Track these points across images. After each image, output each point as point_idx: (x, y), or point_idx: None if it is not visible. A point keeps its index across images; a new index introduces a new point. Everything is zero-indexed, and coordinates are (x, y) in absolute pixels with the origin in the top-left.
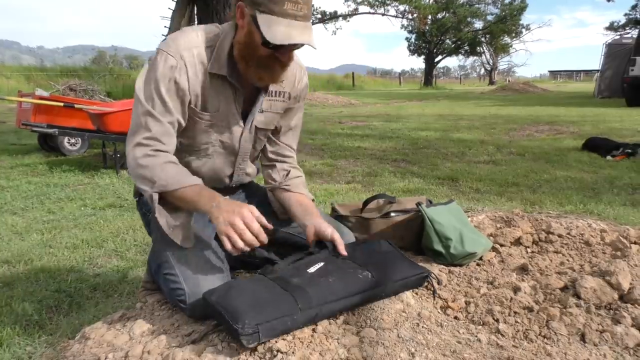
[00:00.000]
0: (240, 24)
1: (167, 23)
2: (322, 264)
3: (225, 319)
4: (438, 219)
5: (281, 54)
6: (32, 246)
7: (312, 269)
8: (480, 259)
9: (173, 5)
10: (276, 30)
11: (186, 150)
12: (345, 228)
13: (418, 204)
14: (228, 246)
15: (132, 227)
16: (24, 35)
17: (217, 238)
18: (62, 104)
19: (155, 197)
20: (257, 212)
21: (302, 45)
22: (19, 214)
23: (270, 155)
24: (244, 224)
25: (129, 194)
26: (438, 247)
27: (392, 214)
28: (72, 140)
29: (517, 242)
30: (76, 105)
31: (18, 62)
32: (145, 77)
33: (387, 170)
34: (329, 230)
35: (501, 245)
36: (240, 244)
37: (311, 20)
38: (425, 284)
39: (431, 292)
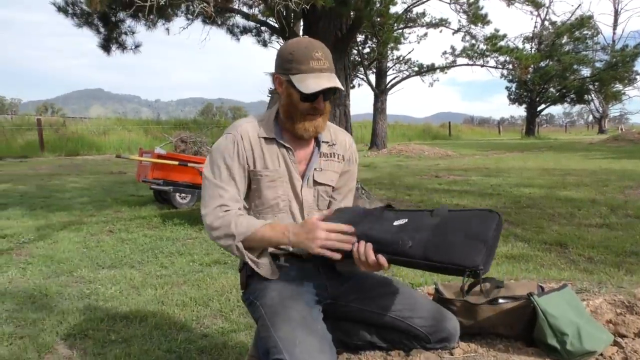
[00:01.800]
0: (280, 91)
1: (271, 79)
2: (406, 220)
3: None
4: (552, 312)
5: (317, 103)
6: (147, 302)
7: (397, 222)
8: (601, 354)
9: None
10: (308, 83)
11: (261, 210)
12: (449, 313)
13: (529, 294)
14: (333, 255)
15: (236, 287)
16: (143, 90)
17: (324, 319)
18: (177, 162)
19: (241, 246)
20: (326, 222)
21: (333, 91)
22: (136, 268)
23: None
24: (326, 234)
25: None
26: (552, 342)
27: (501, 300)
28: (183, 194)
29: None
30: (189, 164)
31: (138, 115)
32: (210, 156)
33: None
34: None
35: (623, 337)
36: (337, 254)
37: (334, 72)
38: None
39: None
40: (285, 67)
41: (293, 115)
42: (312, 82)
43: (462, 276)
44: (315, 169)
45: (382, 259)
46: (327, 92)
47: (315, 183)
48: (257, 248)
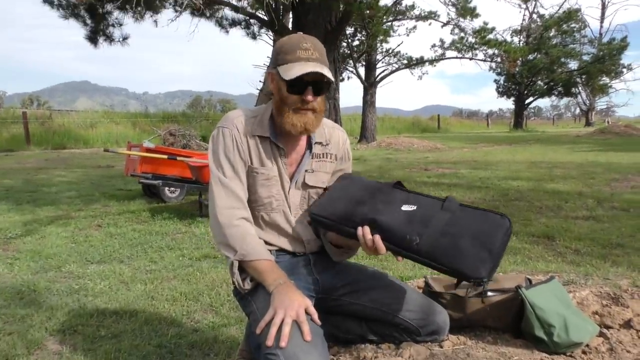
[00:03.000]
0: (272, 87)
1: (260, 71)
2: (414, 207)
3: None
4: (539, 304)
5: (306, 95)
6: (136, 297)
7: (405, 207)
8: (587, 345)
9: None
10: (292, 70)
11: (255, 207)
12: (439, 306)
13: (517, 287)
14: (263, 325)
15: (226, 281)
16: (131, 82)
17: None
18: (166, 156)
19: (236, 263)
20: (311, 309)
21: (323, 84)
22: (125, 262)
23: None
24: (295, 313)
25: None
26: (540, 333)
27: (489, 293)
28: (172, 188)
29: (627, 324)
30: (178, 158)
31: (126, 108)
32: (212, 152)
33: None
34: None
35: (609, 328)
36: (274, 330)
37: (326, 65)
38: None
39: None
40: (275, 60)
41: (282, 108)
42: (296, 69)
43: (465, 281)
44: (306, 171)
45: (381, 247)
46: (316, 84)
47: (306, 186)
48: (247, 271)
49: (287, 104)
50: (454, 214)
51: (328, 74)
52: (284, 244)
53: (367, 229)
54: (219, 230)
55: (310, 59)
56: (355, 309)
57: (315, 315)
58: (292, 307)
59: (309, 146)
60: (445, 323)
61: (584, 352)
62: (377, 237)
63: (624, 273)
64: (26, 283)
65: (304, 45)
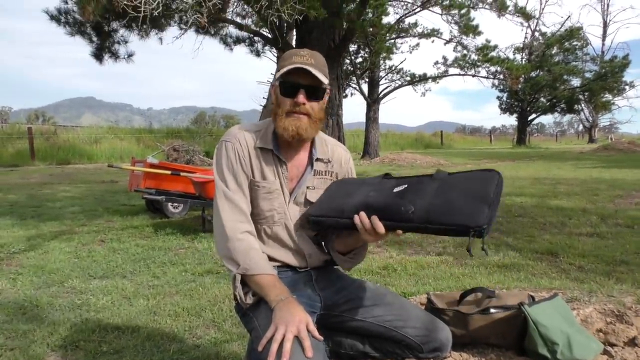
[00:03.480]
0: (273, 98)
1: (264, 88)
2: (405, 186)
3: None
4: (542, 321)
5: (297, 97)
6: (139, 312)
7: (397, 189)
8: None
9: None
10: (284, 69)
11: (257, 220)
12: (441, 323)
13: (520, 304)
14: (264, 342)
15: (228, 297)
16: (135, 98)
17: (317, 330)
18: (169, 172)
19: (238, 277)
20: (311, 325)
21: (320, 89)
22: (128, 278)
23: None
24: (297, 329)
25: None
26: (543, 351)
27: (492, 310)
28: (175, 204)
29: (632, 342)
30: (181, 174)
31: (130, 124)
32: (216, 166)
33: (479, 240)
34: None
35: (613, 346)
36: (275, 346)
37: (323, 72)
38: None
39: None
40: (276, 71)
41: (277, 113)
42: (287, 67)
43: (466, 236)
44: (308, 187)
45: (379, 226)
46: (310, 88)
47: (308, 202)
48: (249, 285)
49: (281, 107)
50: (443, 181)
51: (321, 77)
52: (286, 257)
53: (363, 214)
54: (223, 243)
55: (304, 63)
56: (357, 325)
57: (316, 332)
58: (294, 323)
59: (311, 162)
60: (447, 340)
61: None
62: (374, 218)
63: (629, 290)
64: (29, 298)
65: (301, 53)
